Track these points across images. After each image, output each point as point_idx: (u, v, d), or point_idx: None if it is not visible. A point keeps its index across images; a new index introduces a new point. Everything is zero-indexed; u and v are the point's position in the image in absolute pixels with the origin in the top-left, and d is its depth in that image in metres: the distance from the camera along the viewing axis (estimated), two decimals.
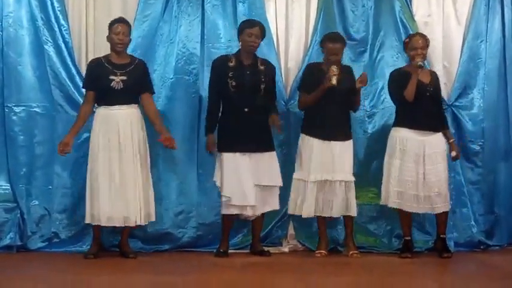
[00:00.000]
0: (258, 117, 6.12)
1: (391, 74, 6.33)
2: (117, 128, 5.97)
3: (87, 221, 6.01)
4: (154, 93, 6.23)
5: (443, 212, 6.23)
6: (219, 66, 6.17)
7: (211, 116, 6.18)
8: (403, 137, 6.19)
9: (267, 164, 6.15)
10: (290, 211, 6.29)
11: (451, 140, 6.33)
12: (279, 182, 6.20)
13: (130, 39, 6.14)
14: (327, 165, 6.15)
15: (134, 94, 6.06)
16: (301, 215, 6.23)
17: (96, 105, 6.08)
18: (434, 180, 6.16)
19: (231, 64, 6.15)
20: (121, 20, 6.09)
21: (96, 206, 5.93)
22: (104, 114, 6.01)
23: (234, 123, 6.11)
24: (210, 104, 6.21)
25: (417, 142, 6.17)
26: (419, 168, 6.16)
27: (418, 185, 6.15)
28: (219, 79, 6.14)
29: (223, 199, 6.09)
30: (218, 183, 6.13)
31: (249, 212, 6.10)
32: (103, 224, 5.97)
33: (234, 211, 6.10)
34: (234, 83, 6.10)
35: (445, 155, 6.27)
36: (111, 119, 5.98)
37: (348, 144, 6.23)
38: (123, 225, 6.00)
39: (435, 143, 6.23)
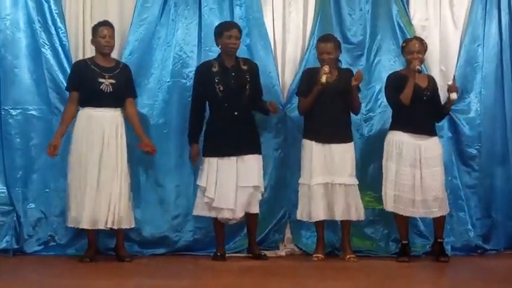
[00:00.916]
0: (246, 118, 6.14)
1: (388, 77, 6.33)
2: (102, 130, 5.97)
3: (70, 224, 5.99)
4: (136, 97, 6.23)
5: (440, 216, 6.23)
6: (204, 73, 6.17)
7: (196, 125, 6.19)
8: (399, 141, 6.19)
9: (254, 165, 6.15)
10: (298, 217, 6.25)
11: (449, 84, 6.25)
12: (262, 184, 6.18)
13: (114, 43, 6.13)
14: (327, 168, 6.14)
15: (121, 98, 6.08)
16: (301, 219, 6.22)
17: (79, 106, 6.05)
18: (431, 184, 6.16)
19: (214, 69, 6.15)
20: (106, 23, 6.10)
21: (76, 209, 5.91)
22: (88, 115, 5.99)
23: (222, 127, 6.10)
24: (194, 112, 6.20)
25: (413, 146, 6.18)
26: (416, 172, 6.16)
27: (415, 189, 6.14)
28: (204, 86, 6.14)
29: (205, 200, 6.08)
30: (203, 184, 6.10)
31: (227, 215, 6.08)
32: (84, 227, 5.93)
33: (205, 213, 6.12)
34: (221, 87, 6.11)
35: (442, 159, 6.27)
36: (96, 120, 5.98)
37: (349, 147, 6.22)
38: (107, 228, 5.96)
39: (431, 147, 6.23)
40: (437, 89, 6.38)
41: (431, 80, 6.35)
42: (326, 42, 6.22)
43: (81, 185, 5.92)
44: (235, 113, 6.10)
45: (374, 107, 6.64)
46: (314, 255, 6.25)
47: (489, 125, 6.69)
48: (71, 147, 5.99)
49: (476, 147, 6.66)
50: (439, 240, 6.28)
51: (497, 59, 6.73)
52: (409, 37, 6.47)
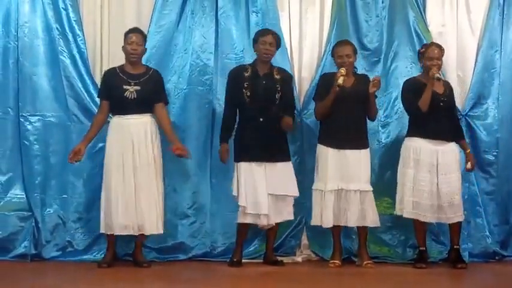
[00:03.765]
0: (274, 126, 6.12)
1: (405, 83, 6.32)
2: (131, 137, 5.99)
3: (102, 230, 6.03)
4: (168, 103, 6.25)
5: (456, 222, 6.20)
6: (235, 76, 6.19)
7: (226, 126, 6.20)
8: (416, 147, 6.18)
9: (282, 173, 6.15)
10: (313, 223, 6.24)
11: (468, 151, 6.32)
12: (295, 192, 6.19)
13: (145, 49, 6.16)
14: (342, 174, 6.14)
15: (148, 104, 6.08)
16: (320, 225, 6.21)
17: (110, 115, 6.11)
18: (447, 191, 6.14)
19: (246, 74, 6.16)
20: (135, 30, 6.13)
21: (110, 215, 5.95)
22: (117, 123, 6.04)
23: (249, 133, 6.12)
24: (225, 113, 6.24)
25: (430, 152, 6.16)
26: (433, 178, 6.14)
27: (432, 195, 6.13)
28: (235, 89, 6.16)
29: (239, 208, 6.10)
30: (234, 193, 6.13)
31: (263, 221, 6.09)
32: (117, 233, 5.98)
33: (249, 220, 6.10)
34: (248, 93, 6.12)
35: (459, 165, 6.25)
36: (125, 128, 6.01)
37: (364, 153, 6.21)
38: (137, 234, 6.01)
39: (448, 153, 6.21)
40: (453, 95, 6.36)
41: (448, 86, 6.34)
42: (344, 45, 6.23)
43: (112, 192, 5.93)
44: (261, 120, 6.09)
45: (391, 113, 6.63)
46: (331, 262, 6.24)
47: (507, 131, 6.66)
48: (105, 156, 6.04)
49: (494, 153, 6.63)
50: (455, 246, 6.26)
51: None
52: (425, 43, 6.46)
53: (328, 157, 6.15)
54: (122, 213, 5.93)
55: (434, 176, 6.14)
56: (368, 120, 6.32)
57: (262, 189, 6.06)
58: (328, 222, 6.14)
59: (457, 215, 6.18)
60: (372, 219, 6.18)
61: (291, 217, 6.25)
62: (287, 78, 6.26)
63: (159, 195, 6.06)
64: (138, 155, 5.99)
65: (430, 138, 6.16)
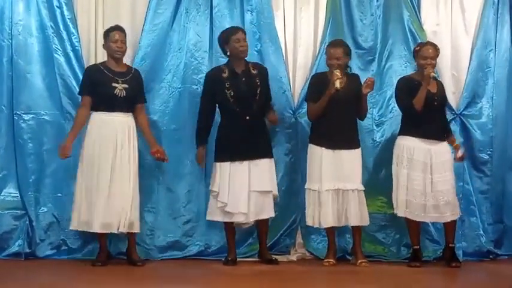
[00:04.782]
0: (257, 123, 6.14)
1: (399, 81, 6.32)
2: (115, 134, 5.99)
3: (73, 227, 6.02)
4: (146, 102, 6.25)
5: (451, 221, 6.21)
6: (214, 78, 6.18)
7: (203, 129, 6.20)
8: (410, 146, 6.18)
9: (266, 169, 6.15)
10: (309, 223, 6.24)
11: (455, 144, 6.29)
12: (274, 188, 6.18)
13: (126, 47, 6.15)
14: (338, 175, 6.13)
15: (133, 102, 6.11)
16: (311, 225, 6.23)
17: (91, 110, 6.07)
18: (442, 189, 6.14)
19: (224, 75, 6.15)
20: (118, 28, 6.13)
21: (89, 212, 5.93)
22: (100, 119, 6.02)
23: (234, 132, 6.11)
24: (202, 116, 6.21)
25: (424, 151, 6.17)
26: (427, 177, 6.15)
27: (426, 194, 6.13)
28: (215, 92, 6.15)
29: (218, 204, 6.08)
30: (215, 188, 6.11)
31: (240, 219, 6.07)
32: (80, 229, 5.98)
33: (218, 218, 6.12)
34: (232, 93, 6.11)
35: (452, 164, 6.26)
36: (109, 125, 6.01)
37: (357, 153, 6.22)
38: (102, 232, 5.96)
39: (442, 152, 6.22)
40: (445, 94, 6.37)
41: (440, 85, 6.35)
42: (335, 47, 6.21)
43: (92, 189, 5.93)
44: (247, 118, 6.10)
45: (386, 112, 6.63)
46: (325, 260, 6.24)
47: (501, 130, 6.67)
48: (82, 151, 6.02)
49: (488, 152, 6.64)
50: (450, 245, 6.26)
51: (509, 64, 6.72)
52: (420, 42, 6.47)
53: (323, 157, 6.15)
54: (101, 211, 5.89)
55: (427, 176, 6.15)
56: (360, 120, 6.32)
57: (243, 187, 6.05)
58: (327, 222, 6.13)
59: (452, 214, 6.19)
60: (365, 218, 6.19)
61: (273, 214, 6.23)
62: (263, 72, 6.26)
63: (134, 194, 6.02)
64: (120, 152, 5.97)
65: (423, 137, 6.17)
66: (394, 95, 6.44)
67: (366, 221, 6.21)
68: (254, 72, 6.20)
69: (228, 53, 6.19)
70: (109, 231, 5.97)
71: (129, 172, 6.00)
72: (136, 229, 6.06)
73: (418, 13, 6.69)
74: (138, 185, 6.10)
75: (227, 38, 6.15)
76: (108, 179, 5.94)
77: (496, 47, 6.69)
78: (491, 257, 6.58)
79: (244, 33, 6.20)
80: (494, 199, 6.66)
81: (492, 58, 6.68)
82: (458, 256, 6.31)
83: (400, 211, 6.18)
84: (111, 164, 5.95)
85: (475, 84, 6.66)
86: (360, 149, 6.26)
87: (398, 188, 6.18)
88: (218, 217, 6.15)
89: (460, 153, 6.27)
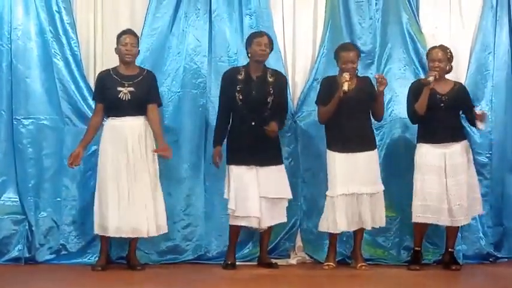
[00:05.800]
0: (265, 130, 6.10)
1: (410, 86, 6.32)
2: (126, 139, 5.98)
3: (96, 231, 6.02)
4: (161, 104, 6.24)
5: (455, 226, 6.20)
6: (228, 78, 6.18)
7: (220, 128, 6.19)
8: (423, 152, 6.16)
9: (275, 176, 6.13)
10: (322, 229, 6.20)
11: (477, 114, 6.16)
12: (288, 194, 6.18)
13: (138, 50, 6.16)
14: (352, 178, 6.10)
15: (141, 105, 6.07)
16: (316, 229, 6.25)
17: (105, 117, 6.10)
18: (456, 193, 6.12)
19: (239, 77, 6.15)
20: (128, 31, 6.12)
21: (105, 216, 5.93)
22: (112, 125, 6.03)
23: (241, 136, 6.10)
24: (219, 116, 6.22)
25: (438, 155, 6.14)
26: (441, 182, 6.12)
27: (442, 198, 6.11)
28: (228, 92, 6.15)
29: (228, 211, 6.09)
30: (226, 196, 6.12)
31: (254, 224, 6.08)
32: (111, 235, 5.97)
33: (240, 223, 6.08)
34: (241, 97, 6.11)
35: (466, 166, 6.22)
36: (120, 130, 6.00)
37: (373, 154, 6.19)
38: (131, 236, 6.00)
39: (456, 154, 6.18)
40: (463, 95, 6.28)
41: (456, 87, 6.28)
42: (349, 51, 6.19)
43: (108, 195, 5.92)
44: (253, 123, 6.08)
45: (385, 116, 6.57)
46: (325, 264, 6.23)
47: (500, 133, 6.67)
48: (99, 158, 6.03)
49: (487, 155, 6.64)
50: (449, 250, 6.26)
51: (507, 67, 6.71)
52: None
53: (337, 162, 6.12)
54: (117, 215, 5.91)
55: (442, 179, 6.12)
56: (376, 121, 6.32)
57: (254, 191, 6.04)
58: (343, 227, 6.11)
59: (465, 218, 6.18)
60: (381, 219, 6.17)
61: (284, 219, 6.24)
62: (281, 81, 6.24)
63: (154, 197, 6.03)
64: (133, 157, 5.97)
65: (434, 142, 6.14)
66: (393, 99, 6.49)
67: (381, 222, 6.19)
68: (270, 79, 6.17)
69: (249, 55, 6.18)
70: (122, 236, 5.96)
71: (148, 174, 5.98)
72: (163, 230, 6.08)
73: (416, 16, 6.69)
74: (160, 188, 6.09)
75: (250, 40, 6.15)
76: (125, 185, 5.93)
77: (495, 50, 6.69)
78: (491, 259, 6.58)
79: (269, 39, 6.17)
80: (494, 202, 6.65)
81: (491, 61, 6.68)
82: (458, 259, 6.31)
83: (413, 216, 6.14)
84: (125, 168, 5.94)
85: (473, 87, 6.65)
86: (376, 150, 6.24)
87: (414, 194, 6.15)
88: (237, 221, 6.07)
89: (479, 112, 6.18)
